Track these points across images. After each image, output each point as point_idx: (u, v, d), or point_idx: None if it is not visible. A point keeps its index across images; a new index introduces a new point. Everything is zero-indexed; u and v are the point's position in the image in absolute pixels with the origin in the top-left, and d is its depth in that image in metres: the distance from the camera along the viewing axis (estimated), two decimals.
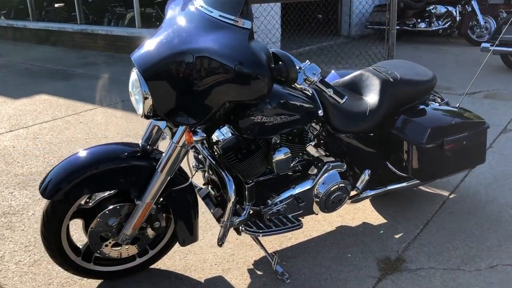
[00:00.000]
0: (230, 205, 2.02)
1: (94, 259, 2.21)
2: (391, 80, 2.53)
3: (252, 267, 2.38)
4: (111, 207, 2.06)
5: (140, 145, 2.15)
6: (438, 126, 2.44)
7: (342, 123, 2.39)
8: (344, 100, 1.88)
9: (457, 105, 2.74)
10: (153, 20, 8.96)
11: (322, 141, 2.51)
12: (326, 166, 2.38)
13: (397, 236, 2.62)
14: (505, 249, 2.47)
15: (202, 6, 1.88)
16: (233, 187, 2.01)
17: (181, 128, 1.95)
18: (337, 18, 9.93)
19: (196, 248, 2.53)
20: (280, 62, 1.77)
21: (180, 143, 1.96)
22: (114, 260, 2.25)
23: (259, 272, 2.34)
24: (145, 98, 1.84)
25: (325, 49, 8.71)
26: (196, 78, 1.77)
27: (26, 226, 2.80)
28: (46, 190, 1.94)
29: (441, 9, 8.93)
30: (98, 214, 2.07)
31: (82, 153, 2.04)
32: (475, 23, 8.58)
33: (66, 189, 1.93)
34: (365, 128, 2.47)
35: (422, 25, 9.11)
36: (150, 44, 1.88)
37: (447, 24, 8.92)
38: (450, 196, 3.04)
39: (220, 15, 1.79)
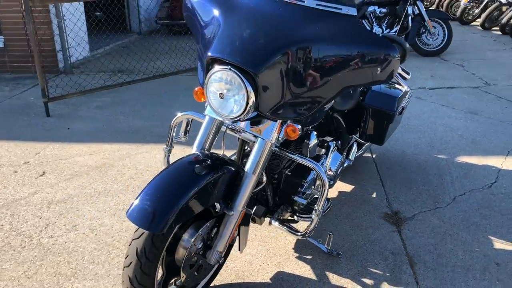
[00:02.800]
0: (325, 193, 2.01)
1: None
2: None
3: (297, 254, 2.40)
4: (203, 227, 1.80)
5: (200, 153, 1.92)
6: (399, 96, 2.89)
7: (339, 102, 2.60)
8: (409, 75, 2.10)
9: None
10: None
11: None
12: (332, 145, 2.56)
13: (373, 196, 3.00)
14: (446, 185, 3.14)
15: None
16: (324, 172, 2.01)
17: (273, 124, 1.85)
18: (124, 15, 9.60)
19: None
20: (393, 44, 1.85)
21: (273, 140, 1.86)
22: None
23: (308, 257, 2.38)
24: (248, 98, 1.68)
25: (127, 46, 8.40)
26: (314, 69, 1.69)
27: None
28: (151, 222, 1.57)
29: None
30: (178, 241, 1.79)
31: (164, 178, 1.69)
32: None
33: (176, 216, 1.61)
34: (351, 105, 2.74)
35: None
36: (238, 38, 1.69)
37: None
38: (373, 156, 3.60)
39: (317, 4, 1.75)
